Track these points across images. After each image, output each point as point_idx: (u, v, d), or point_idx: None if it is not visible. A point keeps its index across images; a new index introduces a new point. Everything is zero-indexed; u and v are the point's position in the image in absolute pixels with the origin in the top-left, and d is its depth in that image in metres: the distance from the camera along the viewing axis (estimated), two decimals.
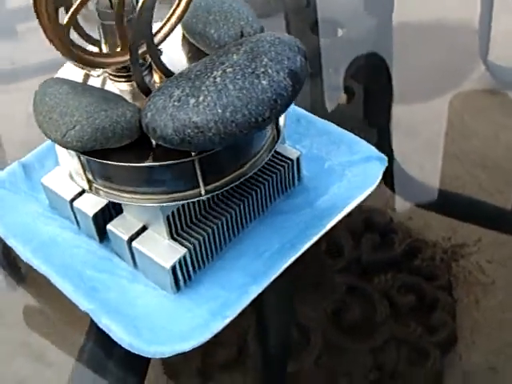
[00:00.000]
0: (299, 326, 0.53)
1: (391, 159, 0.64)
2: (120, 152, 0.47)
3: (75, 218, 0.56)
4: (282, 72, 0.45)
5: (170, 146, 0.45)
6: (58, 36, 0.46)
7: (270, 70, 0.45)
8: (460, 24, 0.84)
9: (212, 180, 0.49)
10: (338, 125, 0.61)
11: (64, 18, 0.46)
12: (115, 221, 0.53)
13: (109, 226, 0.53)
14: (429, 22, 0.85)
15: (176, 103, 0.44)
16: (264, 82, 0.44)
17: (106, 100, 0.47)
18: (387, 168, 0.58)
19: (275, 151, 0.55)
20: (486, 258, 0.57)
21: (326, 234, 0.54)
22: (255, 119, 0.44)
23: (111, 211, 0.54)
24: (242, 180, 0.50)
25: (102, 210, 0.54)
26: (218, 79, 0.44)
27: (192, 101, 0.44)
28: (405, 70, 0.78)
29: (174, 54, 0.52)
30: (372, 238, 0.58)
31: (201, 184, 0.48)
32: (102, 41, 0.49)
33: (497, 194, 0.63)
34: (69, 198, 0.55)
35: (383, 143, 0.68)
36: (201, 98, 0.44)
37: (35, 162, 0.61)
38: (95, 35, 0.50)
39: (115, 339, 0.49)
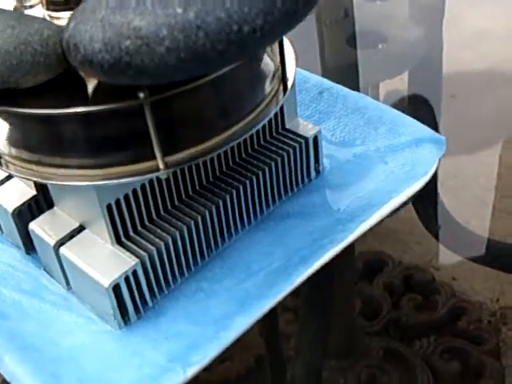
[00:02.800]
0: None
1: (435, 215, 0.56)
2: (35, 96, 0.29)
3: None
4: None
5: (100, 76, 0.27)
6: None
7: None
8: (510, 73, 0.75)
9: (175, 147, 0.30)
10: None
11: None
12: (41, 218, 0.35)
13: (31, 225, 0.35)
14: (478, 72, 0.76)
15: (112, 2, 0.26)
16: None
17: (19, 16, 0.29)
18: (433, 215, 0.50)
19: (283, 127, 0.37)
20: None
21: (362, 292, 0.47)
22: (238, 27, 0.26)
23: (42, 206, 0.36)
24: (225, 148, 0.31)
25: (28, 203, 0.36)
26: None
27: None
28: (452, 117, 0.69)
29: None
30: (413, 298, 0.50)
31: (157, 152, 0.30)
32: None
33: None
34: None
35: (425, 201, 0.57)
36: None
37: None
38: None
39: None
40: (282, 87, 0.34)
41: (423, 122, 0.67)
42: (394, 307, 0.50)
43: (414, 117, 0.66)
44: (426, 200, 0.63)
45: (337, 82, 0.60)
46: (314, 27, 0.81)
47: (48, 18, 0.33)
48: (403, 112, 0.63)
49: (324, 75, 0.69)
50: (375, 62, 0.75)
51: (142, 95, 0.28)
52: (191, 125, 0.31)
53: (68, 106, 0.29)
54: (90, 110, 0.29)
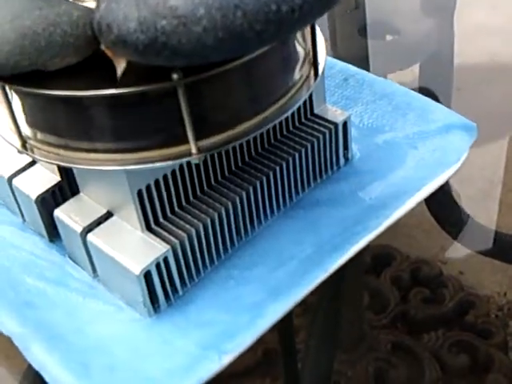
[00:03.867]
0: None
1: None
2: (63, 79, 0.28)
3: (18, 205, 0.37)
4: None
5: (134, 57, 0.26)
6: None
7: None
8: None
9: (209, 131, 0.29)
10: None
11: None
12: (67, 204, 0.34)
13: (57, 212, 0.34)
14: (484, 65, 0.75)
15: None
16: None
17: None
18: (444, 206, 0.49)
19: (312, 113, 0.36)
20: None
21: (370, 286, 0.47)
22: (277, 6, 0.25)
23: (66, 193, 0.35)
24: (256, 133, 0.30)
25: (52, 190, 0.35)
26: None
27: None
28: (458, 110, 0.69)
29: None
30: (420, 292, 0.50)
31: (190, 136, 0.29)
32: None
33: None
34: (7, 175, 0.36)
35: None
36: None
37: None
38: None
39: (48, 380, 0.30)
40: (312, 72, 0.34)
41: None
42: (401, 301, 0.50)
43: None
44: (439, 194, 0.63)
45: None
46: (325, 18, 0.81)
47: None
48: None
49: None
50: (386, 54, 0.74)
51: (175, 77, 0.27)
52: (224, 109, 0.30)
53: (97, 89, 0.28)
54: (120, 92, 0.28)
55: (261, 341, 0.45)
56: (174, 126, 0.29)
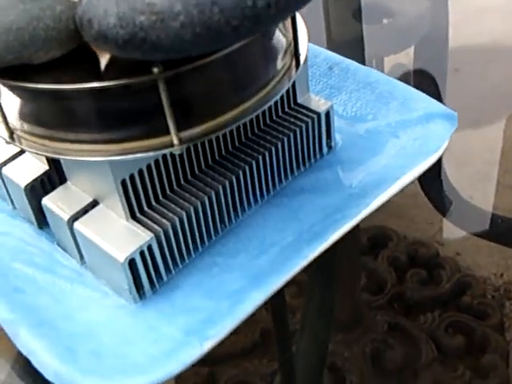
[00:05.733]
0: (334, 367, 0.46)
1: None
2: (48, 72, 0.29)
3: (7, 192, 0.38)
4: None
5: (114, 51, 0.27)
6: None
7: None
8: None
9: (190, 122, 0.30)
10: None
11: None
12: (54, 193, 0.34)
13: (44, 200, 0.34)
14: (482, 46, 0.77)
15: None
16: None
17: None
18: (439, 190, 0.53)
19: (295, 102, 0.37)
20: None
21: (367, 267, 0.49)
22: (253, 2, 0.25)
23: (54, 181, 0.36)
24: (238, 124, 0.31)
25: (41, 179, 0.36)
26: None
27: None
28: (456, 94, 0.70)
29: None
30: (417, 273, 0.52)
31: (171, 127, 0.29)
32: None
33: None
34: None
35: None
36: None
37: None
38: None
39: (36, 365, 0.31)
40: (294, 62, 0.34)
41: None
42: (398, 282, 0.51)
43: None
44: (432, 175, 0.62)
45: (343, 56, 0.60)
46: (319, 2, 0.80)
47: None
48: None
49: (329, 49, 0.68)
50: (381, 37, 0.74)
51: (156, 70, 0.27)
52: (205, 100, 0.30)
53: (81, 82, 0.28)
54: (103, 85, 0.28)
55: (257, 322, 0.46)
56: (155, 118, 0.29)
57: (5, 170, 0.36)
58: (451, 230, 0.60)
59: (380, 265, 0.51)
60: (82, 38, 0.28)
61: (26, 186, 0.36)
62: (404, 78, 0.69)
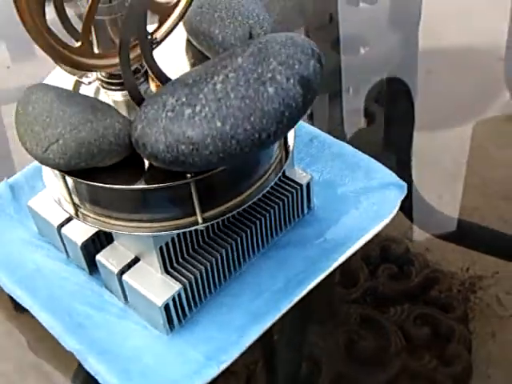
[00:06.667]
0: (310, 357, 0.48)
1: (410, 187, 0.59)
2: (108, 172, 0.40)
3: (64, 246, 0.48)
4: (291, 78, 0.37)
5: (162, 166, 0.38)
6: (40, 30, 0.38)
7: (278, 76, 0.37)
8: (486, 50, 0.77)
9: (210, 207, 0.41)
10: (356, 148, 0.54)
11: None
12: (105, 251, 0.45)
13: (98, 257, 0.45)
14: (455, 47, 0.78)
15: (170, 114, 0.37)
16: (270, 90, 0.37)
17: (93, 110, 0.39)
18: (406, 196, 0.53)
19: (283, 174, 0.48)
20: (505, 289, 0.53)
21: (341, 264, 0.50)
22: (259, 135, 0.37)
23: (102, 239, 0.47)
24: (244, 207, 0.42)
25: (92, 238, 0.47)
26: (219, 86, 0.37)
27: (188, 111, 0.36)
28: (427, 95, 0.72)
29: (175, 61, 0.45)
30: (388, 269, 0.53)
31: (197, 211, 0.40)
32: (94, 40, 0.42)
33: None
34: (56, 224, 0.47)
35: (402, 170, 0.61)
36: (197, 108, 0.36)
37: (24, 183, 0.54)
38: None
39: (102, 383, 0.42)
40: (284, 153, 0.45)
41: (399, 102, 0.70)
42: (370, 277, 0.52)
43: (392, 97, 0.69)
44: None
45: (323, 86, 0.67)
46: (301, 32, 0.81)
47: (103, 93, 0.44)
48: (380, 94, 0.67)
49: None
50: (357, 66, 0.77)
51: (189, 176, 0.39)
52: (221, 190, 0.41)
53: (132, 181, 0.39)
54: (149, 187, 0.39)
55: None
56: (186, 204, 0.41)
57: (64, 229, 0.47)
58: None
59: (353, 260, 0.52)
60: (134, 149, 0.40)
61: (82, 244, 0.47)
62: (378, 86, 0.74)
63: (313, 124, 0.57)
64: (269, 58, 0.38)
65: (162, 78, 0.40)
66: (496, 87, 0.71)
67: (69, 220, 0.48)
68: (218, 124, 0.36)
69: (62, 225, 0.47)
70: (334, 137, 0.56)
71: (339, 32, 0.81)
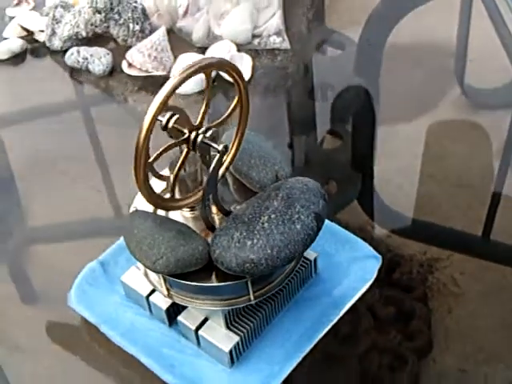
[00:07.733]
0: None
1: (372, 180, 0.67)
2: (193, 273, 0.61)
3: (149, 307, 0.70)
4: (310, 216, 0.59)
5: (232, 273, 0.60)
6: (148, 191, 0.60)
7: (302, 216, 0.58)
8: (438, 46, 0.83)
9: (259, 289, 0.63)
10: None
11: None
12: (184, 314, 0.66)
13: (179, 318, 0.67)
14: (406, 45, 0.84)
15: (237, 244, 0.58)
16: (298, 227, 0.58)
17: (181, 234, 0.60)
18: (369, 188, 0.62)
19: None
20: (459, 270, 0.58)
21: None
22: (293, 255, 0.59)
23: (177, 304, 0.69)
24: (280, 287, 0.64)
25: (172, 303, 0.68)
26: (266, 225, 0.58)
27: (249, 243, 0.58)
28: (390, 92, 0.78)
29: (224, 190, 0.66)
30: None
31: (251, 293, 0.62)
32: (176, 190, 0.63)
33: (469, 210, 0.64)
34: (145, 294, 0.69)
35: (364, 167, 0.69)
36: (255, 241, 0.58)
37: (110, 259, 0.74)
38: None
39: None
40: None
41: (364, 106, 0.79)
42: None
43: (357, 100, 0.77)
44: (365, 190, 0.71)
45: (300, 131, 0.81)
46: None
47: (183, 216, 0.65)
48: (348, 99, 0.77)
49: (291, 126, 0.87)
50: (328, 112, 0.84)
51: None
52: (267, 280, 0.63)
53: (209, 279, 0.61)
54: (219, 284, 0.61)
55: None
56: (243, 290, 0.62)
57: (151, 298, 0.69)
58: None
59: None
60: (210, 260, 0.61)
61: (166, 309, 0.68)
62: (346, 92, 0.82)
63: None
64: (294, 203, 0.59)
65: (224, 211, 0.62)
66: (449, 82, 0.77)
67: (153, 291, 0.69)
68: (269, 251, 0.57)
69: (149, 295, 0.69)
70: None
71: (313, 82, 0.88)
